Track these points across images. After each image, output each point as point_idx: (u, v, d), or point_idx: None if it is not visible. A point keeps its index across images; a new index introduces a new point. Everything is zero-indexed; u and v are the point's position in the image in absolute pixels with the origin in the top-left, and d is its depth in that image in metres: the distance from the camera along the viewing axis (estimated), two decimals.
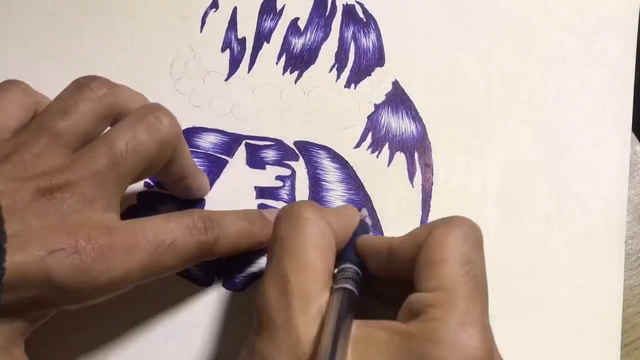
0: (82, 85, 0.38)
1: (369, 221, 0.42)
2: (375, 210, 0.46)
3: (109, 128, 0.39)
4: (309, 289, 0.34)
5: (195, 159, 0.46)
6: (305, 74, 0.49)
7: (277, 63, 0.50)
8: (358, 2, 0.51)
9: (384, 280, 0.38)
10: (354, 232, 0.39)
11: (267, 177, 0.47)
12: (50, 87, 0.40)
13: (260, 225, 0.41)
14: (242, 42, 0.50)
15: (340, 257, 0.38)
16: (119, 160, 0.36)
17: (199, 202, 0.46)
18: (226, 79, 0.49)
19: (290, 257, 0.35)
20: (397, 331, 0.32)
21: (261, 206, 0.46)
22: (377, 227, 0.46)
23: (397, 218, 0.46)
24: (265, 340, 0.34)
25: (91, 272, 0.33)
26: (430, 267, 0.33)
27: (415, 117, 0.49)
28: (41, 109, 0.38)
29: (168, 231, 0.37)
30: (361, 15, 0.51)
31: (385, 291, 0.38)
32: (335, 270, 0.36)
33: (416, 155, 0.48)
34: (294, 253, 0.35)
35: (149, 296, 0.43)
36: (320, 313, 0.33)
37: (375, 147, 0.48)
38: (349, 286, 0.35)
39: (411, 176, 0.47)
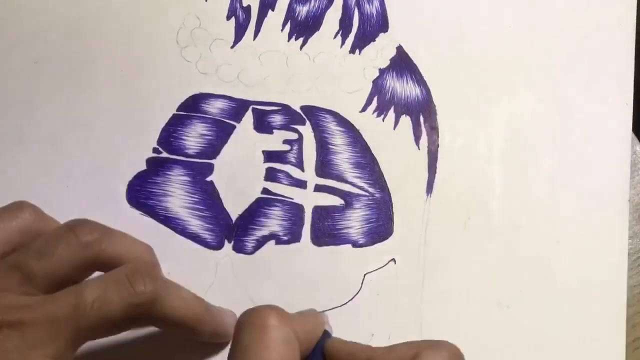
0: (69, 229, 0.36)
1: (329, 329, 0.38)
2: (382, 173, 0.46)
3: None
4: None
5: (202, 124, 0.46)
6: (310, 40, 0.49)
7: (282, 30, 0.49)
8: None
9: None
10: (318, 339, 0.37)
11: (275, 141, 0.46)
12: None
13: (211, 316, 0.39)
14: (247, 10, 0.49)
15: None
16: (81, 314, 0.33)
17: (206, 167, 0.45)
18: (232, 46, 0.48)
19: None
20: None
21: (269, 170, 0.45)
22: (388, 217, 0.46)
23: (404, 180, 0.46)
24: None
25: None
26: None
27: (420, 81, 0.48)
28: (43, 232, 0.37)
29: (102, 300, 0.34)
30: None
31: None
32: None
33: (421, 118, 0.48)
34: None
35: (161, 261, 0.43)
36: None
37: (381, 111, 0.48)
38: None
39: (417, 139, 0.47)
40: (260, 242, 0.44)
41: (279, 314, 0.34)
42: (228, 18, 0.49)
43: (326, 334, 0.37)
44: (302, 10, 0.50)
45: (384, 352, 0.34)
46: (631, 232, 0.46)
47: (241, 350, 0.33)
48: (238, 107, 0.47)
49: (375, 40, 0.49)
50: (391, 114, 0.48)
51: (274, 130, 0.46)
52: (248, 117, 0.47)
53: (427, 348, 0.33)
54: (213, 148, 0.46)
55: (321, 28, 0.49)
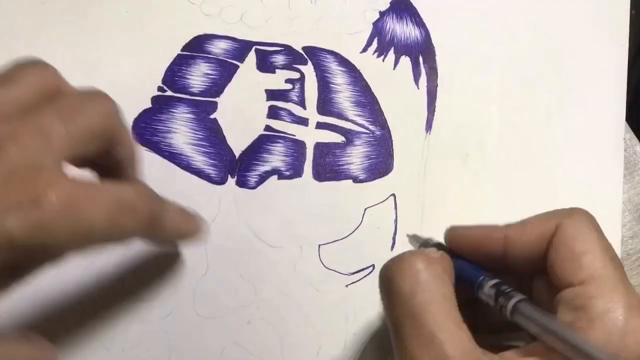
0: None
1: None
2: (382, 112, 0.46)
3: None
4: (462, 344, 0.30)
5: (206, 64, 0.46)
6: None
7: None
8: None
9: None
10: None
11: (277, 80, 0.46)
12: None
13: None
14: None
15: (462, 275, 0.34)
16: (66, 117, 0.31)
17: (210, 105, 0.45)
18: None
19: (430, 315, 0.31)
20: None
21: (272, 108, 0.45)
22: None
23: (404, 118, 0.45)
24: None
25: (53, 227, 0.28)
26: (576, 259, 0.31)
27: (419, 23, 0.48)
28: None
29: (127, 192, 0.32)
30: None
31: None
32: (480, 292, 0.34)
33: (421, 59, 0.47)
34: (431, 309, 0.31)
35: (166, 195, 0.43)
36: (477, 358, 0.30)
37: (381, 51, 0.47)
38: (521, 295, 0.32)
39: (416, 79, 0.46)
40: (263, 177, 0.43)
41: (425, 257, 0.33)
42: None
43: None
44: None
45: (521, 228, 0.34)
46: (631, 232, 0.45)
47: (404, 298, 0.31)
48: (241, 48, 0.46)
49: None
50: (391, 54, 0.47)
51: (276, 70, 0.46)
52: (251, 57, 0.46)
53: (565, 217, 0.32)
54: (217, 87, 0.45)
55: None
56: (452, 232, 0.36)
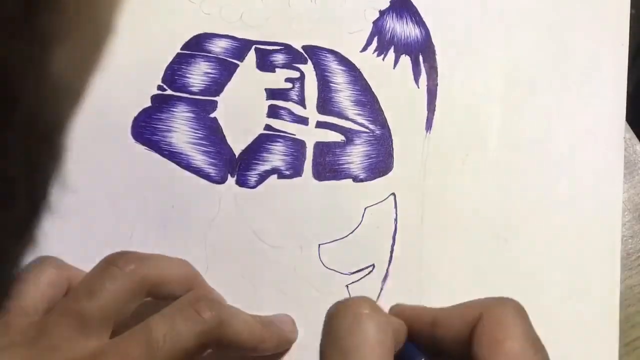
0: (109, 263, 0.35)
1: None
2: (383, 111, 0.45)
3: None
4: None
5: (206, 63, 0.45)
6: None
7: None
8: None
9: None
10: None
11: (277, 79, 0.45)
12: None
13: (271, 332, 0.38)
14: None
15: (403, 356, 0.33)
16: (155, 351, 0.33)
17: (209, 104, 0.44)
18: None
19: (357, 355, 0.30)
20: None
21: (272, 107, 0.44)
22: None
23: (404, 117, 0.45)
24: None
25: None
26: (496, 345, 0.30)
27: (419, 22, 0.47)
28: (74, 284, 0.36)
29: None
30: None
31: None
32: None
33: (421, 58, 0.46)
34: (361, 351, 0.30)
35: (165, 195, 0.42)
36: None
37: (381, 50, 0.46)
38: None
39: (416, 78, 0.46)
40: (263, 177, 0.43)
41: (372, 303, 0.32)
42: None
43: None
44: None
45: (448, 312, 0.33)
46: (631, 231, 0.44)
47: (340, 337, 0.31)
48: (241, 47, 0.46)
49: None
50: (391, 53, 0.46)
51: (276, 69, 0.45)
52: (251, 56, 0.45)
53: (491, 307, 0.32)
54: (217, 86, 0.44)
55: None
56: (393, 309, 0.35)
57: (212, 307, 0.35)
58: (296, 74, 0.45)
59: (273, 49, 0.46)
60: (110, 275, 0.35)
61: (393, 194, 0.43)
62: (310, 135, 0.44)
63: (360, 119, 0.44)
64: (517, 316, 0.31)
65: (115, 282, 0.34)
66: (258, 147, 0.43)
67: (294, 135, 0.44)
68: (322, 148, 0.44)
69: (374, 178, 0.43)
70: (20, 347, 0.33)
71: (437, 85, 0.46)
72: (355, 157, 0.44)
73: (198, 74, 0.45)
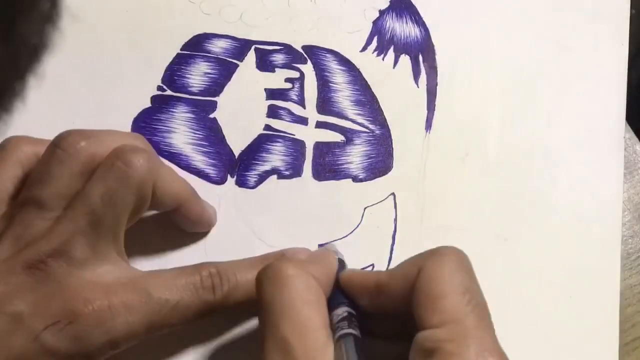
0: (54, 146, 0.35)
1: (341, 256, 0.38)
2: (382, 111, 0.45)
3: None
4: (313, 348, 0.30)
5: (206, 63, 0.45)
6: None
7: None
8: None
9: (374, 315, 0.34)
10: (336, 275, 0.35)
11: (277, 79, 0.45)
12: None
13: (197, 197, 0.39)
14: None
15: (330, 302, 0.33)
16: (99, 216, 0.33)
17: (209, 104, 0.44)
18: None
19: (284, 320, 0.31)
20: None
21: (271, 107, 0.44)
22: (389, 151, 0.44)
23: (403, 117, 0.44)
24: None
25: (90, 338, 0.32)
26: (431, 302, 0.30)
27: (419, 22, 0.47)
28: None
29: (173, 291, 0.34)
30: None
31: (377, 326, 0.34)
32: (332, 317, 0.33)
33: (420, 57, 0.46)
34: (287, 314, 0.31)
35: None
36: None
37: (381, 50, 0.46)
38: (352, 331, 0.31)
39: (416, 77, 0.45)
40: (263, 177, 0.42)
41: (293, 264, 0.33)
42: None
43: (341, 264, 0.36)
44: None
45: (389, 274, 0.33)
46: (631, 231, 0.44)
47: (268, 305, 0.32)
48: (241, 47, 0.45)
49: None
50: (391, 53, 0.46)
51: (275, 69, 0.45)
52: (250, 56, 0.45)
53: (428, 259, 0.31)
54: (216, 86, 0.44)
55: None
56: (343, 275, 0.35)
57: (139, 155, 0.34)
58: (296, 74, 0.45)
59: (273, 49, 0.45)
60: (56, 159, 0.34)
61: (393, 193, 0.43)
62: (310, 136, 0.43)
63: (359, 119, 0.44)
64: (454, 269, 0.31)
65: (61, 166, 0.34)
66: (258, 147, 0.43)
67: (294, 135, 0.43)
68: (321, 148, 0.43)
69: (374, 178, 0.43)
70: None
71: (436, 85, 0.45)
72: (355, 157, 0.43)
73: (198, 74, 0.44)
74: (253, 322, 0.39)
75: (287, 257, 0.35)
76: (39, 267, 0.32)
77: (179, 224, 0.40)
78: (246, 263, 0.37)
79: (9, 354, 0.31)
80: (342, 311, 0.33)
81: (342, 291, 0.34)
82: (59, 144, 0.35)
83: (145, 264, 0.40)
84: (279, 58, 0.45)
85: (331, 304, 0.33)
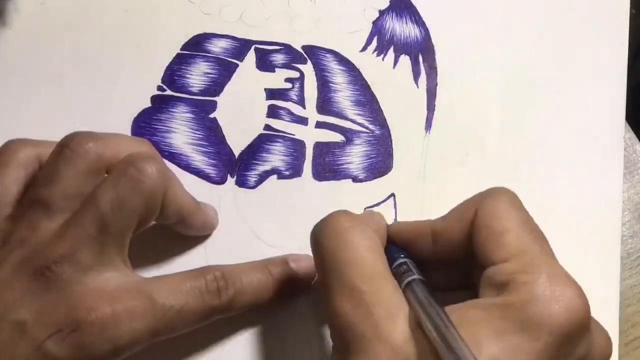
0: (62, 146, 0.34)
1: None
2: (382, 111, 0.44)
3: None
4: (384, 293, 0.30)
5: (206, 63, 0.44)
6: None
7: None
8: None
9: (428, 266, 0.34)
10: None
11: (277, 79, 0.44)
12: None
13: (281, 275, 0.38)
14: None
15: (387, 256, 0.33)
16: (108, 222, 0.33)
17: (209, 104, 0.43)
18: None
19: (352, 267, 0.30)
20: (493, 306, 0.28)
21: (271, 107, 0.44)
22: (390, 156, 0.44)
23: (403, 117, 0.44)
24: (360, 357, 0.29)
25: (94, 346, 0.31)
26: (495, 238, 0.30)
27: (419, 22, 0.46)
28: (44, 159, 0.36)
29: (177, 295, 0.33)
30: None
31: (431, 279, 0.34)
32: (392, 268, 0.33)
33: (420, 58, 0.46)
34: (352, 263, 0.31)
35: None
36: (402, 312, 0.29)
37: (381, 50, 0.46)
38: (419, 276, 0.31)
39: (416, 78, 0.45)
40: (263, 177, 0.42)
41: (349, 216, 0.33)
42: None
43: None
44: None
45: (443, 219, 0.33)
46: (631, 231, 0.44)
47: (330, 257, 0.31)
48: (241, 47, 0.45)
49: None
50: (390, 53, 0.46)
51: (275, 69, 0.45)
52: (250, 56, 0.45)
53: (484, 201, 0.32)
54: (216, 86, 0.44)
55: None
56: (391, 227, 0.35)
57: (153, 163, 0.34)
58: (296, 74, 0.44)
59: (273, 49, 0.45)
60: (64, 159, 0.34)
61: (393, 194, 0.43)
62: (310, 136, 0.43)
63: (359, 119, 0.44)
64: (511, 205, 0.32)
65: (69, 165, 0.34)
66: (257, 147, 0.43)
67: (294, 135, 0.43)
68: (321, 148, 0.43)
69: (374, 178, 0.43)
70: None
71: (436, 85, 0.45)
72: (355, 157, 0.43)
73: (198, 74, 0.44)
74: (255, 323, 0.39)
75: (341, 212, 0.34)
76: (44, 273, 0.32)
77: (178, 231, 0.39)
78: (251, 266, 0.37)
79: None
80: (402, 261, 0.33)
81: (395, 244, 0.35)
82: (67, 144, 0.34)
83: (145, 264, 0.39)
84: (279, 58, 0.45)
85: (389, 257, 0.33)
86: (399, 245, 0.35)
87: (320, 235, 0.32)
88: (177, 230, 0.39)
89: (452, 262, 0.33)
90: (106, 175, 0.35)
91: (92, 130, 0.36)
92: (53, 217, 0.33)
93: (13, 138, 0.37)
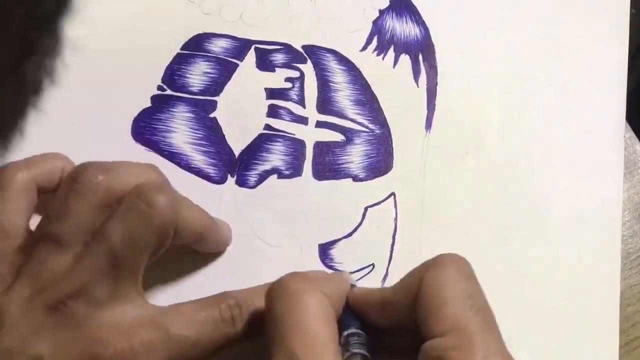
0: (72, 180, 0.34)
1: (353, 282, 0.36)
2: (382, 110, 0.44)
3: None
4: None
5: (206, 63, 0.44)
6: None
7: None
8: None
9: (386, 331, 0.34)
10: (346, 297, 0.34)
11: (277, 79, 0.44)
12: None
13: (215, 224, 0.38)
14: None
15: (340, 323, 0.33)
16: (120, 257, 0.32)
17: (209, 104, 0.43)
18: None
19: (294, 334, 0.30)
20: None
21: (271, 107, 0.43)
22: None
23: (403, 116, 0.44)
24: None
25: None
26: (434, 311, 0.30)
27: (419, 21, 0.46)
28: (40, 182, 0.36)
29: (193, 326, 0.33)
30: None
31: (390, 342, 0.34)
32: (341, 338, 0.32)
33: (420, 57, 0.45)
34: (297, 328, 0.30)
35: None
36: None
37: (381, 50, 0.45)
38: (362, 351, 0.31)
39: (416, 77, 0.45)
40: (263, 177, 0.42)
41: (305, 278, 0.32)
42: None
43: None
44: None
45: (393, 289, 0.33)
46: (631, 231, 0.44)
47: (277, 319, 0.31)
48: (241, 46, 0.45)
49: None
50: (391, 53, 0.45)
51: (276, 69, 0.44)
52: (251, 56, 0.45)
53: (429, 268, 0.31)
54: (216, 85, 0.44)
55: None
56: (351, 293, 0.34)
57: (162, 195, 0.33)
58: (296, 74, 0.44)
59: (273, 49, 0.45)
60: (74, 194, 0.33)
61: (393, 193, 0.42)
62: (310, 135, 0.43)
63: (359, 119, 0.44)
64: (455, 276, 0.31)
65: (79, 200, 0.33)
66: (258, 147, 0.42)
67: (294, 135, 0.43)
68: (321, 148, 0.43)
69: (374, 177, 0.43)
70: (2, 286, 0.33)
71: (437, 84, 0.45)
72: (355, 156, 0.43)
73: (198, 74, 0.44)
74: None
75: (298, 273, 0.33)
76: (59, 308, 0.31)
77: (193, 247, 0.39)
78: (262, 289, 0.37)
79: None
80: (351, 331, 0.32)
81: (352, 312, 0.34)
82: (77, 178, 0.34)
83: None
84: (279, 57, 0.45)
85: (342, 325, 0.33)
86: (356, 313, 0.34)
87: (271, 294, 0.32)
88: (192, 246, 0.38)
89: (404, 328, 0.32)
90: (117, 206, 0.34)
91: (99, 160, 0.35)
92: (65, 251, 0.33)
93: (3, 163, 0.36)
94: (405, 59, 0.45)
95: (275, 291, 0.32)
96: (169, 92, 0.43)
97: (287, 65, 0.44)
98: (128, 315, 0.33)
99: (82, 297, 0.32)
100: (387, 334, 0.33)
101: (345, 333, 0.32)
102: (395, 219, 0.42)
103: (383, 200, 0.42)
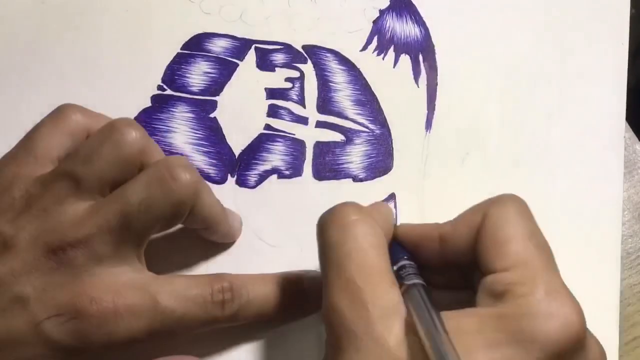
0: (112, 128, 0.34)
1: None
2: (382, 110, 0.44)
3: None
4: (382, 293, 0.29)
5: (206, 63, 0.44)
6: None
7: None
8: None
9: (430, 268, 0.33)
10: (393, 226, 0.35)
11: (277, 78, 0.44)
12: None
13: (292, 293, 0.37)
14: None
15: (391, 255, 0.32)
16: (132, 219, 0.32)
17: (209, 104, 0.43)
18: None
19: (351, 262, 0.30)
20: (487, 315, 0.28)
21: (271, 107, 0.43)
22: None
23: (404, 116, 0.44)
24: (350, 355, 0.28)
25: (91, 337, 0.31)
26: (498, 247, 0.30)
27: (419, 22, 0.46)
28: (92, 131, 0.35)
29: (182, 301, 0.33)
30: None
31: (431, 279, 0.33)
32: (394, 269, 0.32)
33: (421, 57, 0.45)
34: (354, 257, 0.30)
35: None
36: (399, 313, 0.29)
37: (381, 50, 0.45)
38: (421, 281, 0.31)
39: (416, 77, 0.45)
40: (263, 177, 0.42)
41: (357, 208, 0.32)
42: None
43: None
44: None
45: (452, 224, 0.33)
46: (631, 230, 0.43)
47: (332, 248, 0.31)
48: (241, 46, 0.44)
49: None
50: (391, 53, 0.45)
51: (276, 68, 0.44)
52: (251, 56, 0.44)
53: (492, 205, 0.31)
54: (217, 85, 0.43)
55: None
56: (399, 227, 0.34)
57: (187, 172, 0.33)
58: (296, 74, 0.44)
59: (273, 49, 0.44)
60: (109, 142, 0.33)
61: (393, 193, 0.42)
62: (310, 135, 0.43)
63: (360, 119, 0.43)
64: (518, 214, 0.31)
65: (113, 150, 0.33)
66: (258, 147, 0.42)
67: (294, 135, 0.43)
68: (321, 148, 0.43)
69: (374, 178, 0.42)
70: (12, 213, 0.33)
71: (437, 84, 0.45)
72: (355, 156, 0.43)
73: (198, 74, 0.43)
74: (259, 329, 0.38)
75: (351, 203, 0.33)
76: (57, 253, 0.31)
77: (201, 234, 0.39)
78: (262, 279, 0.36)
79: (7, 333, 0.31)
80: (405, 263, 0.32)
81: (399, 244, 0.34)
82: (118, 129, 0.34)
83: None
84: (279, 57, 0.44)
85: (393, 257, 0.32)
86: (404, 246, 0.34)
87: (325, 225, 0.32)
88: (200, 233, 0.38)
89: (456, 265, 0.33)
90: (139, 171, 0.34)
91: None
92: (81, 195, 0.33)
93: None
94: (405, 59, 0.45)
95: (329, 220, 0.32)
96: (169, 91, 0.43)
97: (287, 65, 0.44)
98: (122, 277, 0.33)
99: (84, 249, 0.32)
100: (429, 271, 0.33)
101: (400, 264, 0.32)
102: (395, 219, 0.42)
103: (383, 201, 0.42)
